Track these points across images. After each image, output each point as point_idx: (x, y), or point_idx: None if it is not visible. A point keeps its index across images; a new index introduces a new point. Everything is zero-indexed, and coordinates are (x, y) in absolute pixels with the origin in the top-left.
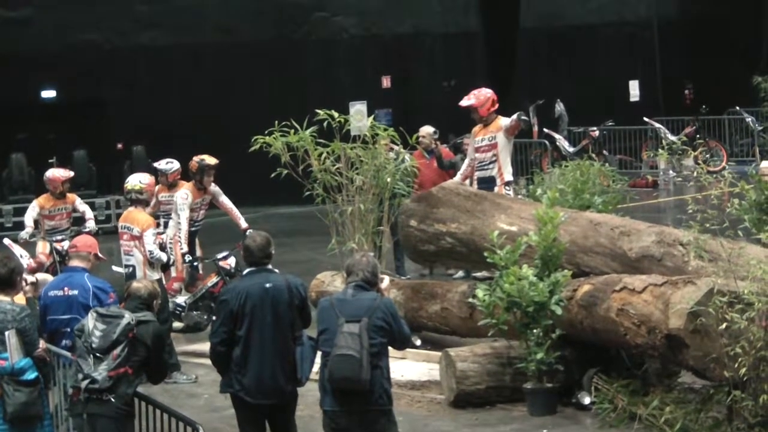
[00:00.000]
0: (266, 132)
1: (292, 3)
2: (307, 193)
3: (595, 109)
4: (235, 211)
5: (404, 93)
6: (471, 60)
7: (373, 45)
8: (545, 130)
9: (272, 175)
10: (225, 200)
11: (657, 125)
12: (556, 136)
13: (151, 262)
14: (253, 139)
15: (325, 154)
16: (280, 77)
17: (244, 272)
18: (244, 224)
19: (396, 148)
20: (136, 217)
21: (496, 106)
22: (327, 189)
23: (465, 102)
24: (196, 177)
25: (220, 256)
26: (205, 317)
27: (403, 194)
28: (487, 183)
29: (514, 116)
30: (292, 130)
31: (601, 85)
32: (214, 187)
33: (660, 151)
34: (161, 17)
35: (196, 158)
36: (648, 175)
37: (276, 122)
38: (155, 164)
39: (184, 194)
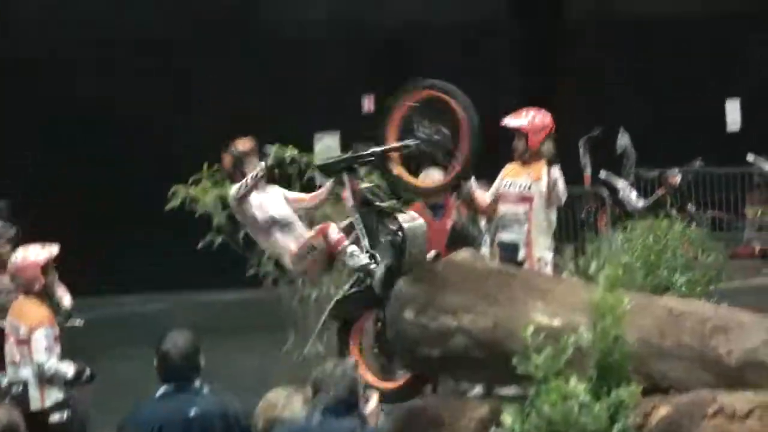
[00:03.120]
0: (190, 181)
1: None
2: (252, 270)
3: (675, 143)
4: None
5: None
6: (491, 65)
7: (349, 46)
8: (602, 173)
9: (200, 245)
10: None
11: (767, 166)
12: (619, 183)
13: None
14: (170, 192)
15: None
16: (207, 95)
17: (158, 393)
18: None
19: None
20: (24, 310)
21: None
22: (281, 264)
23: (513, 121)
24: None
25: None
26: None
27: None
28: (511, 251)
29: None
30: None
31: (685, 107)
32: None
33: None
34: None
35: None
36: (755, 240)
37: (205, 165)
38: None
39: None
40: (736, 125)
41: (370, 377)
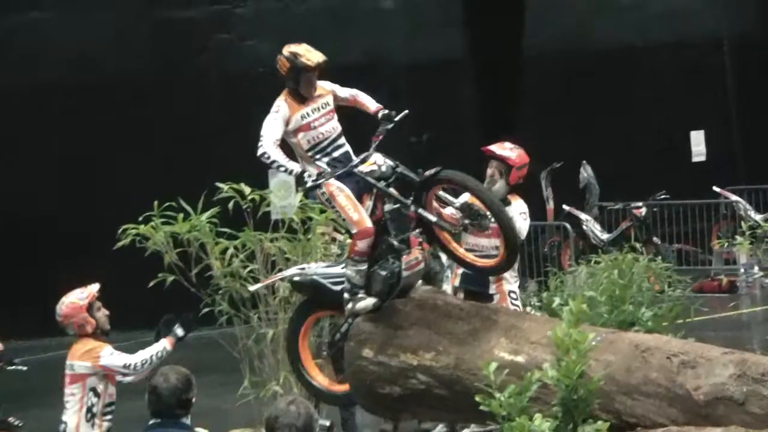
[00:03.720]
0: (141, 218)
1: (181, 20)
2: (206, 310)
3: (639, 175)
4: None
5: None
6: (452, 103)
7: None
8: (565, 207)
9: (151, 284)
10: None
11: (734, 198)
12: (583, 216)
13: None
14: (120, 230)
15: (231, 250)
16: (163, 133)
17: (146, 426)
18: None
19: (340, 238)
20: (81, 350)
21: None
22: (235, 303)
23: (500, 151)
24: None
25: None
26: None
27: None
28: (480, 284)
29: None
30: (181, 215)
31: (649, 139)
32: None
33: (739, 238)
34: None
35: None
36: (722, 273)
37: (156, 203)
38: None
39: None
40: (702, 156)
41: (321, 379)
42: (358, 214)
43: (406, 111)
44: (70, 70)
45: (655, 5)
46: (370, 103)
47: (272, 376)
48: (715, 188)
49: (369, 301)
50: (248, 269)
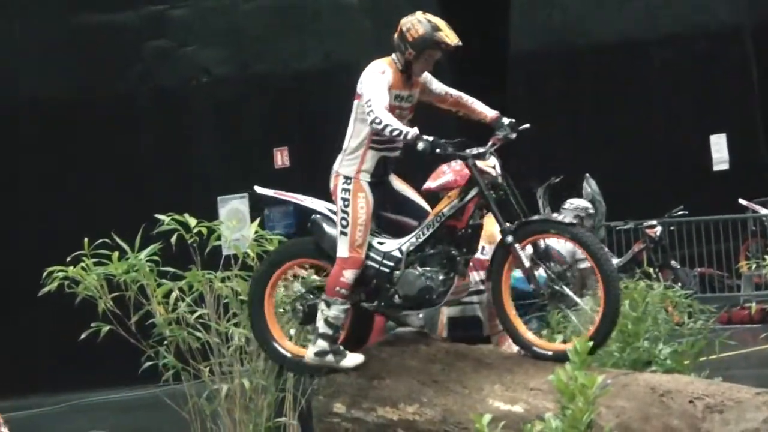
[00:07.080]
0: (69, 258)
1: (107, 26)
2: (148, 364)
3: (652, 189)
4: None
5: (315, 176)
6: (429, 110)
7: (257, 94)
8: None
9: (82, 336)
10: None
11: (763, 211)
12: None
13: None
14: (44, 273)
15: (176, 293)
16: (90, 159)
17: None
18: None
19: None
20: None
21: None
22: (183, 355)
23: (437, 182)
24: None
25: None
26: None
27: None
28: (473, 327)
29: None
30: (116, 254)
31: (662, 146)
32: None
33: None
34: None
35: None
36: (752, 300)
37: (86, 240)
38: None
39: None
40: (724, 164)
41: (289, 345)
42: (363, 239)
43: (528, 125)
44: None
45: None
46: (485, 109)
47: None
48: (741, 201)
49: (358, 358)
50: (196, 314)
